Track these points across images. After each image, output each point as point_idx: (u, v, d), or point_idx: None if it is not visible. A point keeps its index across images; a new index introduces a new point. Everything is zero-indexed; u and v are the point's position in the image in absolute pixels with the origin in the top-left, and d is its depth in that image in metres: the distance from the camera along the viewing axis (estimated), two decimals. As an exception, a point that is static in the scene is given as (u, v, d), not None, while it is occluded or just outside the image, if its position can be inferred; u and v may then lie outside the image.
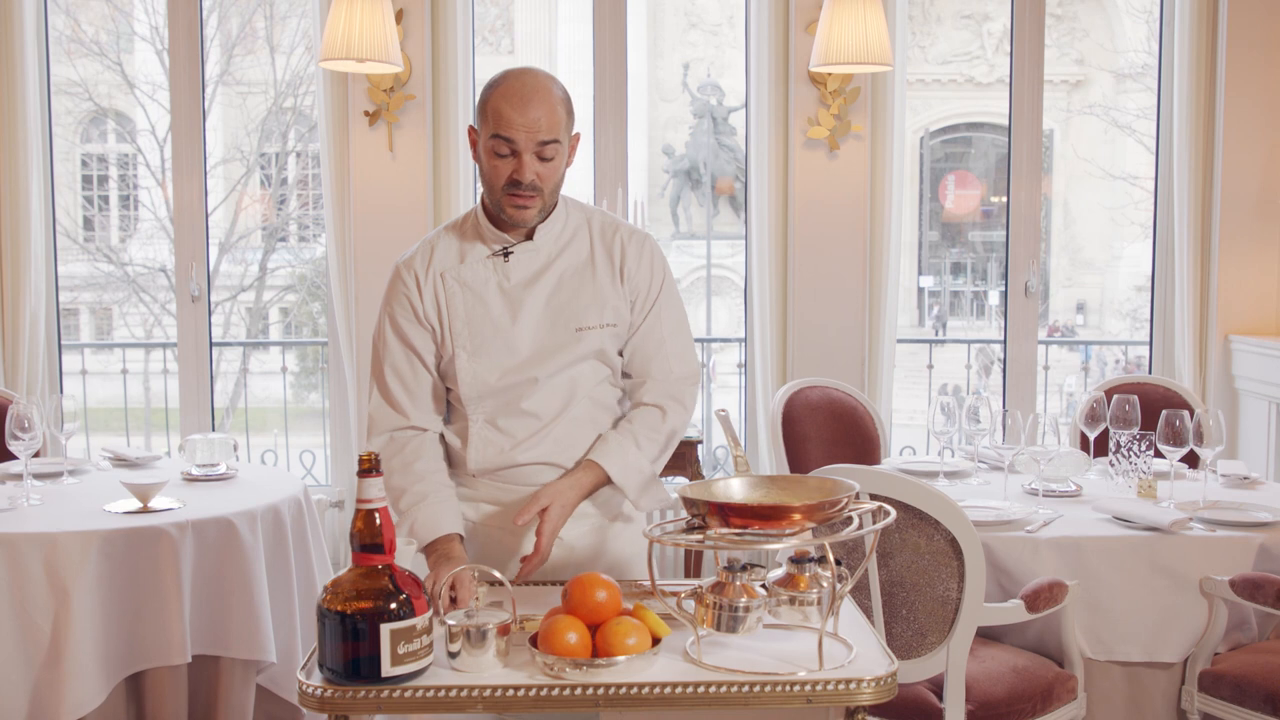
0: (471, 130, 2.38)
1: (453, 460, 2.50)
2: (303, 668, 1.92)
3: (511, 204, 2.31)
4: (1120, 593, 3.11)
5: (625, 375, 2.52)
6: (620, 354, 2.49)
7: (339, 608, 1.83)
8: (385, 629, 1.82)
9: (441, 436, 2.51)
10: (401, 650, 1.83)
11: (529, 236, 2.41)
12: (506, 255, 2.40)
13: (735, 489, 2.05)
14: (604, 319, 2.41)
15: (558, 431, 2.41)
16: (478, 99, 2.35)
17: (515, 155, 2.27)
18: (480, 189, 2.44)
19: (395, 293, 2.46)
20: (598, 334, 2.41)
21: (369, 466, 1.87)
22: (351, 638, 1.82)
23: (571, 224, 2.45)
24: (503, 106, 2.25)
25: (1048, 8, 5.21)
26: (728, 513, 1.87)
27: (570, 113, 2.34)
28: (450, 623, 1.90)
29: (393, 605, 1.83)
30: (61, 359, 5.16)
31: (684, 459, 4.57)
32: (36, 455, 3.85)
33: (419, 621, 1.85)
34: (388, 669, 1.83)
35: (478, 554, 2.48)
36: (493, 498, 2.47)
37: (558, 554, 2.45)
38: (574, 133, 2.38)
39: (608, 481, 2.38)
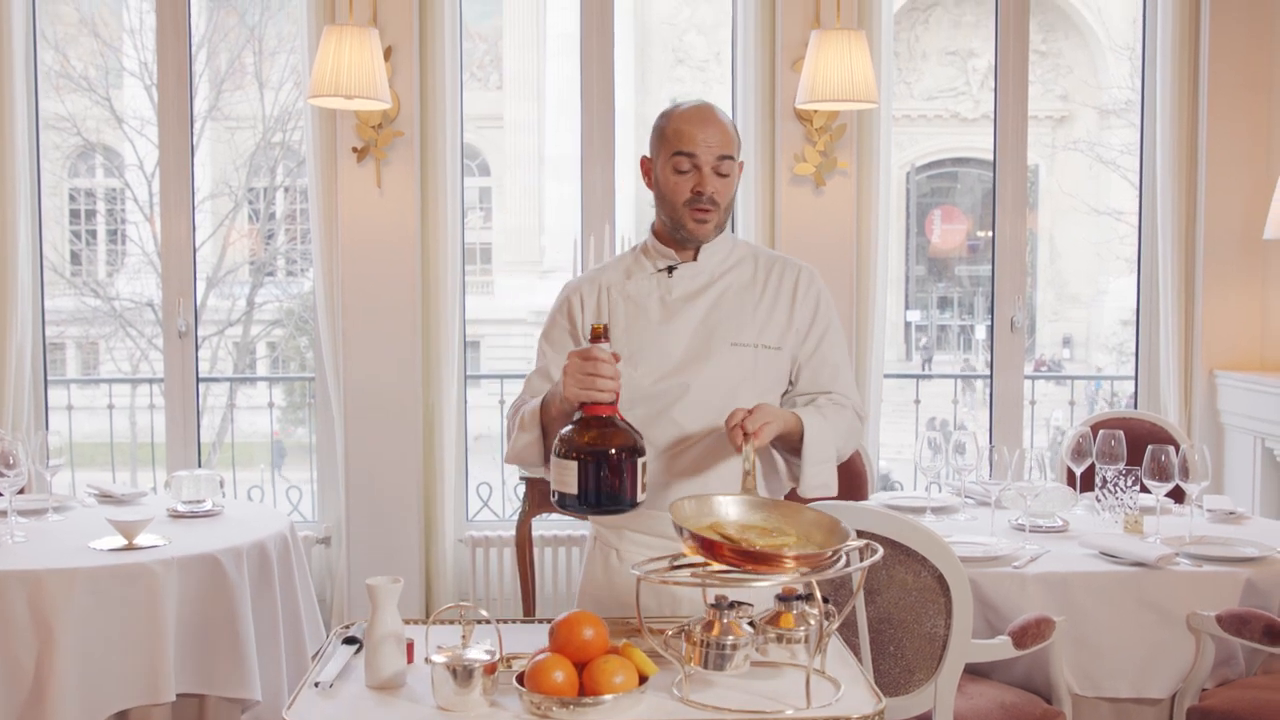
0: (645, 160, 2.54)
1: None
2: (289, 708, 1.91)
3: (693, 217, 2.45)
4: (1107, 628, 3.11)
5: (797, 404, 2.53)
6: (792, 383, 2.54)
7: (598, 454, 2.11)
8: (639, 463, 2.13)
9: None
10: (643, 482, 2.15)
11: (694, 258, 2.51)
12: (670, 271, 2.51)
13: (732, 509, 2.05)
14: (762, 339, 2.48)
15: (702, 448, 2.42)
16: (653, 130, 2.52)
17: (696, 170, 2.43)
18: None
19: (559, 309, 2.59)
20: (753, 353, 2.46)
21: (599, 334, 2.17)
22: (614, 474, 2.11)
23: (737, 252, 2.57)
24: (683, 126, 2.44)
25: (1032, 44, 5.26)
26: (717, 549, 1.87)
27: (739, 139, 2.51)
28: (437, 661, 1.89)
29: (637, 445, 2.14)
30: (47, 394, 5.14)
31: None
32: (21, 491, 3.83)
33: (647, 457, 2.18)
34: (639, 496, 2.14)
35: (623, 589, 2.48)
36: (635, 522, 2.46)
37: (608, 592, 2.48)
38: (740, 160, 2.51)
39: (798, 437, 2.37)
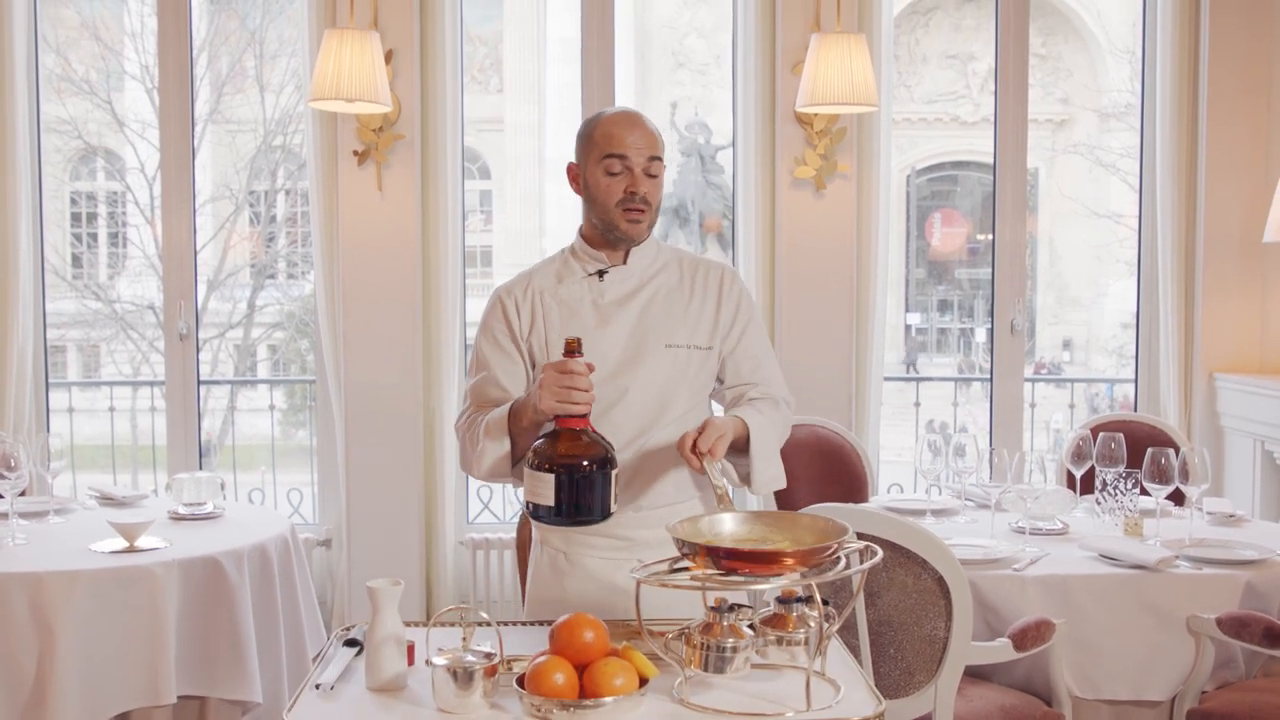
0: (572, 167, 2.57)
1: None
2: (289, 710, 1.91)
3: (626, 218, 2.49)
4: (1107, 631, 3.11)
5: (726, 399, 2.61)
6: (720, 380, 2.59)
7: (571, 466, 2.16)
8: (611, 475, 2.19)
9: None
10: (616, 491, 2.22)
11: (623, 261, 2.54)
12: (601, 275, 2.54)
13: (726, 527, 2.05)
14: (694, 340, 2.52)
15: (640, 456, 2.46)
16: (579, 136, 2.55)
17: (628, 171, 2.47)
18: (582, 222, 2.61)
19: (493, 314, 2.59)
20: (686, 354, 2.51)
21: (573, 348, 2.21)
22: (587, 486, 2.16)
23: (662, 256, 2.60)
24: (613, 129, 2.48)
25: (1032, 48, 5.27)
26: (720, 555, 1.87)
27: (663, 143, 2.55)
28: (437, 663, 1.90)
29: (609, 456, 2.20)
30: (48, 397, 5.14)
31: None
32: (22, 494, 3.84)
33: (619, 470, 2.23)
34: (612, 507, 2.21)
35: (569, 585, 2.51)
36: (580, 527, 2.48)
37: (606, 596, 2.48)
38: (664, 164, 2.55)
39: (744, 439, 2.42)
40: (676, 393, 2.49)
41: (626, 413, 2.46)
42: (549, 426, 2.24)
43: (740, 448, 2.44)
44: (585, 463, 2.17)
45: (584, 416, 2.21)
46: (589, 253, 2.56)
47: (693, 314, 2.54)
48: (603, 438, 2.23)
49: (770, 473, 2.49)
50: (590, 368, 2.23)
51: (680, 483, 2.53)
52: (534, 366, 2.54)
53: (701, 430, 2.30)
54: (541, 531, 2.61)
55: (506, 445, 2.41)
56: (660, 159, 2.50)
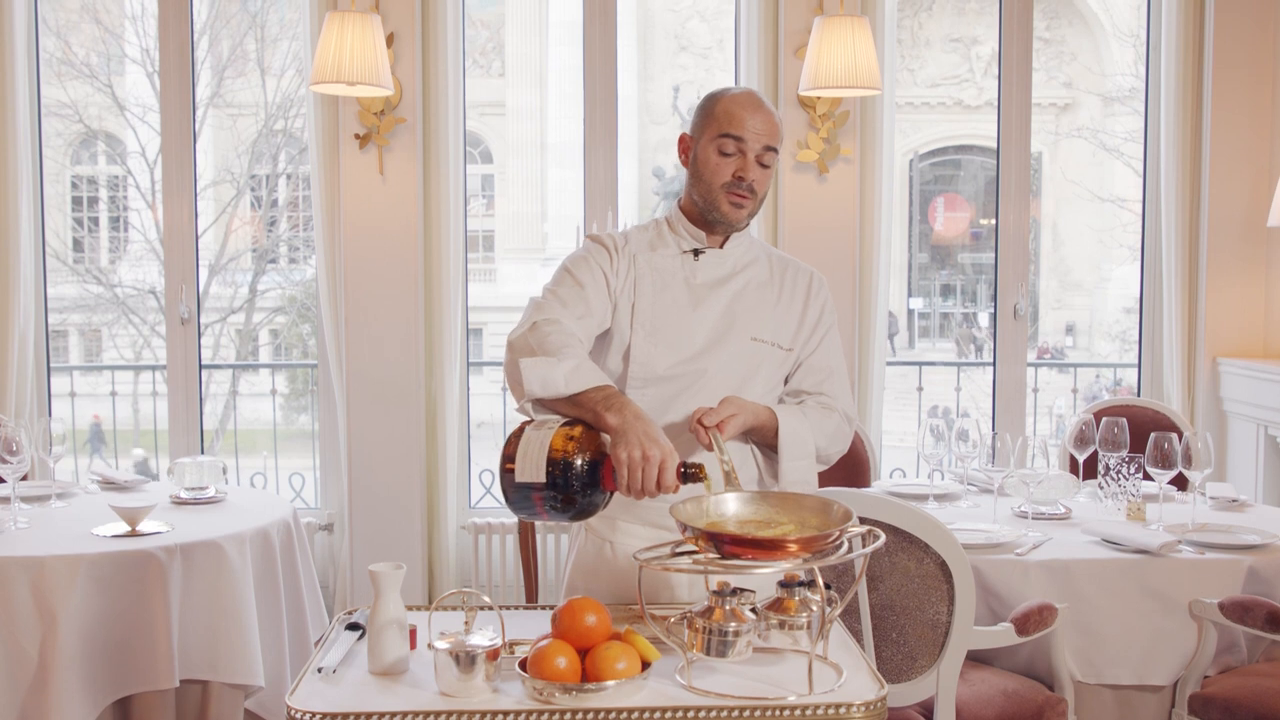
0: (685, 137, 2.50)
1: None
2: (291, 694, 1.91)
3: (729, 200, 2.43)
4: (1110, 616, 3.11)
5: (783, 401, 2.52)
6: (785, 382, 2.52)
7: (578, 456, 2.03)
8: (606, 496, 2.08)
9: None
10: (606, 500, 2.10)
11: (720, 245, 2.50)
12: (697, 255, 2.49)
13: (730, 506, 2.05)
14: (778, 339, 2.49)
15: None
16: (699, 109, 2.48)
17: (741, 155, 2.41)
18: (682, 194, 2.54)
19: (595, 250, 2.49)
20: (769, 351, 2.47)
21: (694, 475, 2.05)
22: (591, 480, 2.04)
23: (754, 249, 2.56)
24: (735, 109, 2.41)
25: (1036, 31, 5.25)
26: (722, 542, 1.87)
27: (782, 134, 2.48)
28: (439, 647, 1.90)
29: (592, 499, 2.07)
30: (50, 381, 5.14)
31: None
32: (24, 478, 3.84)
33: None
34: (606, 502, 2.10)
35: (615, 579, 2.45)
36: (628, 509, 2.44)
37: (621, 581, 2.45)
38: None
39: (773, 433, 2.35)
40: (752, 386, 2.43)
41: (700, 396, 2.39)
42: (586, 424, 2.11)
43: (772, 442, 2.38)
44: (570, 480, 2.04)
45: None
46: (688, 229, 2.51)
47: (780, 312, 2.50)
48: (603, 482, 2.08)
49: (799, 474, 2.39)
50: (675, 489, 2.05)
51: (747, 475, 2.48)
52: (613, 316, 2.44)
53: (718, 405, 2.25)
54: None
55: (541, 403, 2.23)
56: (776, 150, 2.44)
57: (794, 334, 2.51)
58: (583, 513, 2.08)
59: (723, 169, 2.41)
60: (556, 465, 2.04)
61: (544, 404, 2.21)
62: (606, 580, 2.46)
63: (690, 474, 2.05)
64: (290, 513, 3.82)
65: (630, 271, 2.47)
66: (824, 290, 2.59)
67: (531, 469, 2.05)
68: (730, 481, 2.13)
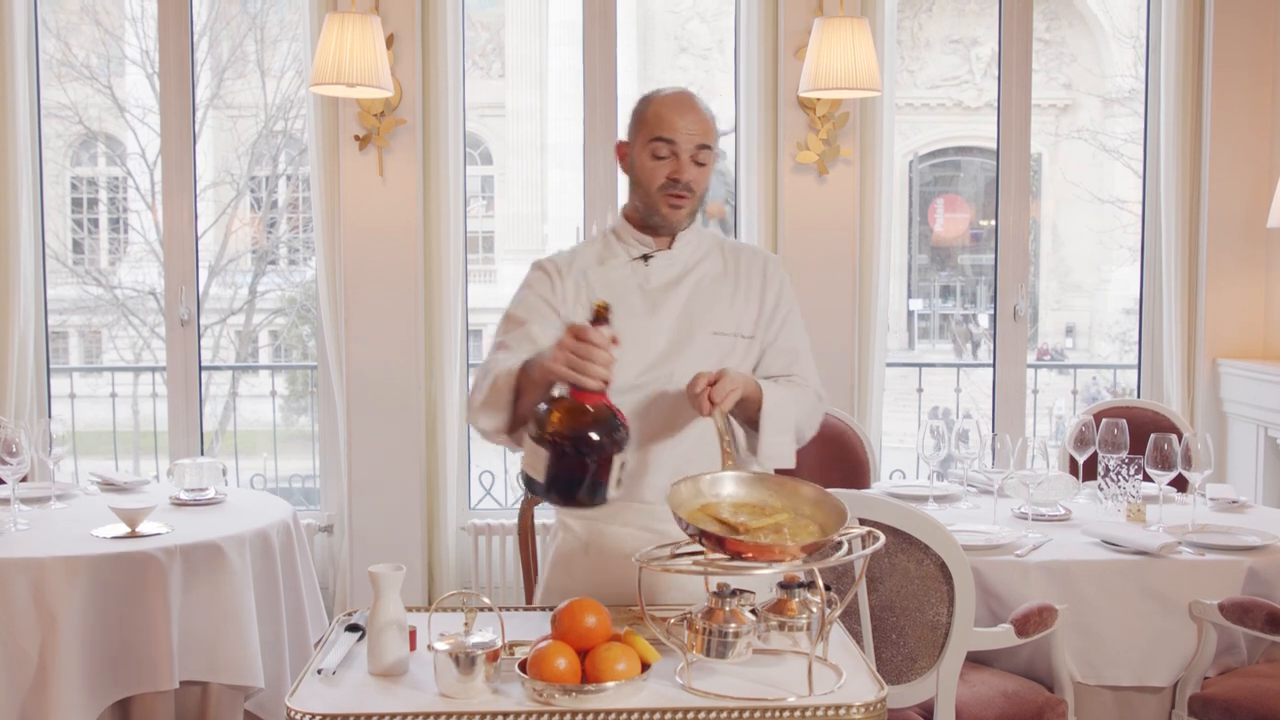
0: (622, 145, 2.52)
1: None
2: (291, 695, 1.91)
3: (667, 203, 2.44)
4: (1110, 617, 3.11)
5: None
6: (753, 370, 2.52)
7: (574, 441, 1.99)
8: (616, 459, 2.01)
9: None
10: (620, 476, 2.03)
11: (669, 246, 2.50)
12: (646, 260, 2.50)
13: (726, 488, 2.06)
14: (740, 329, 2.49)
15: (684, 446, 2.42)
16: (632, 114, 2.50)
17: (674, 156, 2.41)
18: (623, 200, 2.56)
19: (537, 280, 2.51)
20: (732, 343, 2.47)
21: (601, 316, 2.06)
22: (587, 464, 1.99)
23: (705, 242, 2.56)
24: (664, 111, 2.43)
25: (1035, 32, 5.25)
26: (724, 543, 1.87)
27: (717, 129, 2.49)
28: (439, 648, 1.90)
29: (620, 437, 2.02)
30: (50, 382, 5.14)
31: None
32: (24, 479, 3.84)
33: (630, 451, 2.06)
34: (613, 492, 2.03)
35: (584, 576, 2.46)
36: (609, 514, 2.44)
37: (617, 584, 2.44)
38: (717, 151, 2.50)
39: (756, 406, 2.35)
40: None
41: (671, 401, 2.41)
42: (560, 390, 2.08)
43: (752, 417, 2.38)
44: (589, 441, 1.99)
45: (600, 392, 2.03)
46: (634, 235, 2.52)
47: (738, 302, 2.51)
48: (617, 416, 2.04)
49: (779, 449, 2.39)
50: (614, 340, 2.06)
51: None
52: None
53: (717, 378, 2.23)
54: (563, 517, 2.57)
55: (502, 418, 2.30)
56: (710, 147, 2.44)
57: (755, 321, 2.52)
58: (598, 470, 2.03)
59: (658, 172, 2.42)
60: (553, 436, 2.02)
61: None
62: (584, 580, 2.45)
63: (598, 318, 2.06)
64: (290, 514, 3.82)
65: (582, 289, 2.47)
66: (780, 272, 2.59)
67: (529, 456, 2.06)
68: (727, 459, 2.15)
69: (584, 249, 2.55)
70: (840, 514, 1.98)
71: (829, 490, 2.07)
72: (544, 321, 2.44)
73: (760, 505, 2.04)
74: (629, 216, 2.54)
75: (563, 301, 2.47)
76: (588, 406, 2.03)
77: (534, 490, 2.06)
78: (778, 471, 2.34)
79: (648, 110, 2.45)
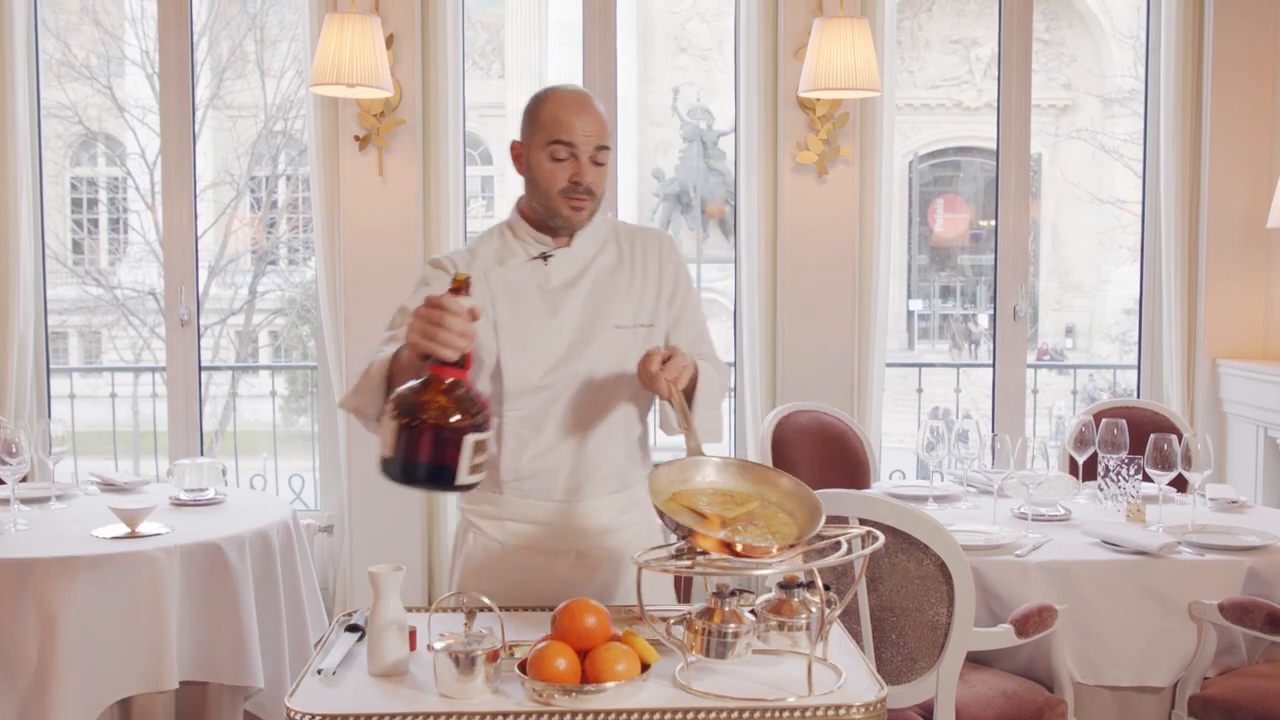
0: (516, 145, 2.47)
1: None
2: (291, 695, 1.91)
3: (569, 205, 2.40)
4: (1110, 617, 3.11)
5: None
6: None
7: (423, 417, 1.86)
8: (468, 440, 1.87)
9: None
10: (475, 461, 1.88)
11: (568, 244, 2.48)
12: (546, 259, 2.47)
13: (708, 473, 2.07)
14: (639, 319, 2.48)
15: (589, 442, 2.43)
16: (525, 114, 2.45)
17: (574, 159, 2.38)
18: (522, 198, 2.52)
19: (433, 278, 2.45)
20: (633, 334, 2.46)
21: (459, 286, 1.94)
22: (436, 444, 1.86)
23: (600, 232, 2.53)
24: (562, 113, 2.38)
25: (1035, 33, 5.25)
26: (694, 535, 1.88)
27: (610, 129, 2.46)
28: (439, 648, 1.90)
29: (476, 417, 1.88)
30: (50, 383, 5.14)
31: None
32: (24, 480, 3.84)
33: (489, 436, 1.92)
34: (463, 477, 1.88)
35: (506, 578, 2.46)
36: (519, 513, 2.47)
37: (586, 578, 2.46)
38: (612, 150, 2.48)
39: (692, 382, 2.34)
40: (627, 374, 2.43)
41: (581, 399, 2.42)
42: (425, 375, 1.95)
43: (686, 392, 2.35)
44: (439, 418, 1.86)
45: (459, 366, 1.91)
46: (531, 234, 2.48)
47: (635, 292, 2.49)
48: (476, 397, 1.92)
49: (709, 421, 2.39)
50: (474, 314, 1.95)
51: (626, 468, 2.51)
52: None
53: (669, 356, 2.23)
54: (469, 517, 2.56)
55: (371, 404, 2.22)
56: (608, 148, 2.41)
57: (654, 307, 2.51)
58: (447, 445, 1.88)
59: (558, 175, 2.39)
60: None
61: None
62: (500, 580, 2.45)
63: (457, 289, 1.95)
64: (290, 514, 3.82)
65: (482, 291, 2.42)
66: (674, 251, 2.57)
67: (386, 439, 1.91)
68: (690, 439, 2.16)
69: (482, 247, 2.50)
70: (813, 508, 1.98)
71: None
72: None
73: (731, 492, 2.05)
74: (526, 215, 2.50)
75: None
76: (444, 380, 1.91)
77: (386, 472, 1.91)
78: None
79: (544, 112, 2.41)
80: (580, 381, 2.42)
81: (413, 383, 1.92)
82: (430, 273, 2.48)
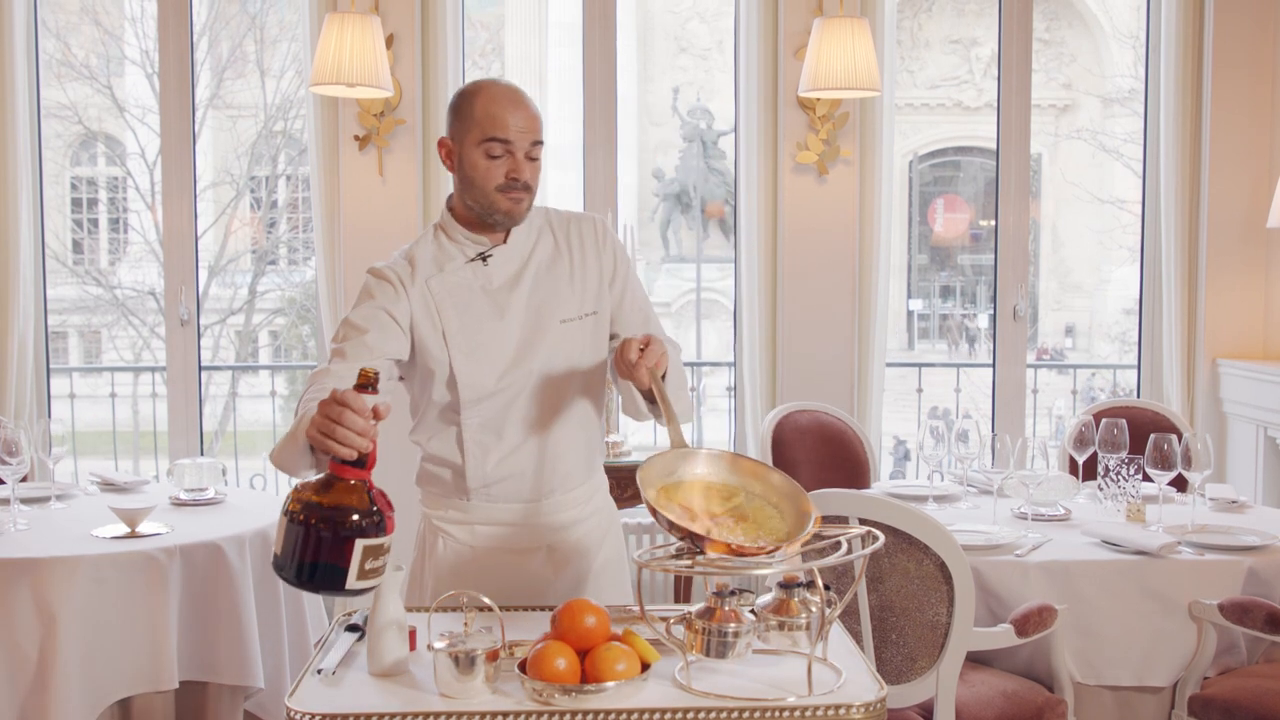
0: (446, 142, 2.42)
1: (447, 481, 2.51)
2: (291, 695, 1.91)
3: (508, 200, 2.36)
4: (1110, 617, 3.11)
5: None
6: (613, 338, 2.51)
7: (315, 517, 1.80)
8: (359, 544, 1.82)
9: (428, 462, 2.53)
10: (368, 566, 1.83)
11: (504, 240, 2.44)
12: (485, 259, 2.43)
13: (699, 466, 2.07)
14: (584, 308, 2.46)
15: (551, 439, 2.43)
16: (454, 109, 2.41)
17: (509, 155, 2.34)
18: (452, 199, 2.47)
19: (379, 289, 2.40)
20: (580, 324, 2.44)
21: (366, 382, 1.87)
22: (326, 545, 1.80)
23: (534, 223, 2.50)
24: (495, 110, 2.34)
25: (1035, 32, 5.25)
26: (705, 541, 1.88)
27: (543, 123, 2.43)
28: (439, 648, 1.90)
29: (369, 521, 1.83)
30: (50, 383, 5.14)
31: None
32: (24, 479, 3.84)
33: (387, 540, 1.86)
34: (353, 582, 1.82)
35: (475, 579, 2.45)
36: (488, 516, 2.47)
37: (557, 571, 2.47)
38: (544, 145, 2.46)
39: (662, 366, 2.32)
40: (580, 366, 2.43)
41: (538, 398, 2.40)
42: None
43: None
44: (336, 517, 1.81)
45: (359, 466, 1.85)
46: (466, 235, 2.43)
47: (576, 281, 2.46)
48: (374, 496, 1.87)
49: (681, 402, 2.37)
50: (378, 413, 1.87)
51: (589, 460, 2.51)
52: (413, 357, 2.40)
53: (646, 343, 2.21)
54: (436, 523, 2.55)
55: (303, 442, 2.01)
56: (542, 142, 2.38)
57: (597, 293, 2.48)
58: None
59: (494, 172, 2.35)
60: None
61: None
62: (473, 582, 2.42)
63: (363, 384, 1.87)
64: (290, 514, 3.82)
65: (427, 301, 2.39)
66: (609, 234, 2.54)
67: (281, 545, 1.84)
68: (673, 431, 2.15)
69: (421, 252, 2.44)
70: (802, 505, 1.98)
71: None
72: (384, 331, 2.35)
73: (721, 486, 2.05)
74: (460, 215, 2.45)
75: (406, 315, 2.38)
76: (343, 480, 1.85)
77: (277, 570, 1.85)
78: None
79: (475, 108, 2.36)
80: (535, 381, 2.40)
81: (311, 479, 1.87)
82: (372, 282, 2.42)
